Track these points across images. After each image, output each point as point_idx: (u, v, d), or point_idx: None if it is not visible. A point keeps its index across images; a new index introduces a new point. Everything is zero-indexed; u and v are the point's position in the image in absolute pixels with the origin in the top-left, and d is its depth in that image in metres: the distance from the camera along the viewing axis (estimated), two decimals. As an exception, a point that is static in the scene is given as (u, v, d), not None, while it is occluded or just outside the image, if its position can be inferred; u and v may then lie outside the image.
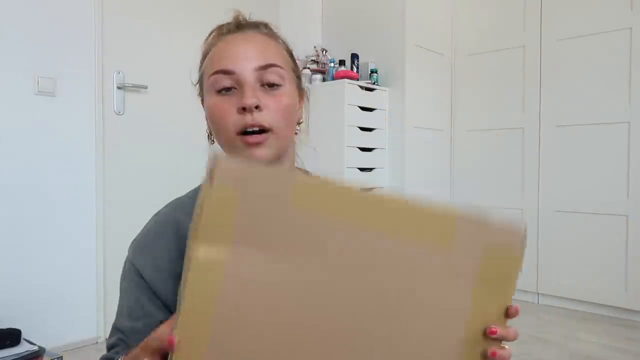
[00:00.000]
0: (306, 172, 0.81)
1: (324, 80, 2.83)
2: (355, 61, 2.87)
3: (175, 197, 0.76)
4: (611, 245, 2.52)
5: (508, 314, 0.53)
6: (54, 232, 2.00)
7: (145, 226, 0.73)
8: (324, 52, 2.95)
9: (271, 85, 0.66)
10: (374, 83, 2.79)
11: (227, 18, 0.72)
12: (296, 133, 0.74)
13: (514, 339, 0.54)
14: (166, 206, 0.74)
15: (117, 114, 2.21)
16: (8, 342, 1.67)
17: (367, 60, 2.87)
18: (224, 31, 0.69)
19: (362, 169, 2.70)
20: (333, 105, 2.62)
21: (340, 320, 0.46)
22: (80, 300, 2.08)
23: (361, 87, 2.70)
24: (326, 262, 0.45)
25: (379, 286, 0.47)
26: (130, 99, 2.26)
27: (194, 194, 0.74)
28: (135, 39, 2.26)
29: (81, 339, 2.08)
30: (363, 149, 2.71)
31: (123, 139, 2.22)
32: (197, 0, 2.43)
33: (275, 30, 0.74)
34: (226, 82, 0.65)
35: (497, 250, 0.51)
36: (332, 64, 2.83)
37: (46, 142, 1.98)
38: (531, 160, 2.82)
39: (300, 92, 0.73)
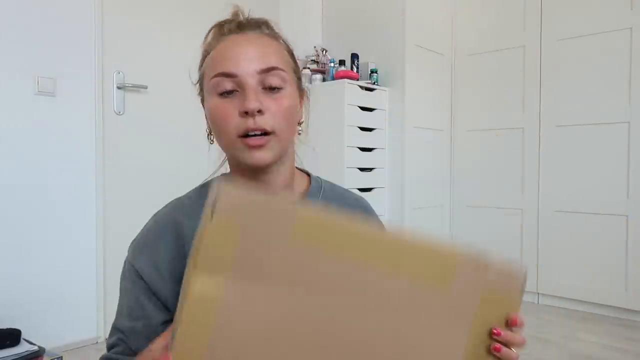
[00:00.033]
0: (306, 173, 0.81)
1: (324, 80, 2.83)
2: (355, 61, 2.87)
3: (175, 197, 0.76)
4: (611, 245, 2.52)
5: (508, 323, 0.53)
6: (54, 232, 2.00)
7: (144, 226, 0.73)
8: (324, 52, 2.95)
9: (273, 89, 0.66)
10: (374, 83, 2.79)
11: (226, 15, 0.71)
12: (299, 133, 0.74)
13: (519, 344, 0.54)
14: (166, 206, 0.74)
15: (117, 114, 2.21)
16: (8, 342, 1.67)
17: (367, 60, 2.87)
18: (225, 31, 0.69)
19: (362, 169, 2.70)
20: (333, 105, 2.62)
21: (333, 356, 0.46)
22: (80, 300, 2.08)
23: (361, 87, 2.70)
24: (323, 300, 0.45)
25: (374, 325, 0.47)
26: (130, 99, 2.26)
27: (194, 194, 0.75)
28: (135, 39, 2.26)
29: (81, 339, 2.08)
30: (363, 149, 2.71)
31: (123, 139, 2.22)
32: (197, 0, 2.43)
33: (276, 29, 0.73)
34: (228, 85, 0.65)
35: (496, 292, 0.51)
36: (332, 64, 2.83)
37: (46, 142, 1.98)
38: (531, 160, 2.82)
39: (301, 92, 0.73)
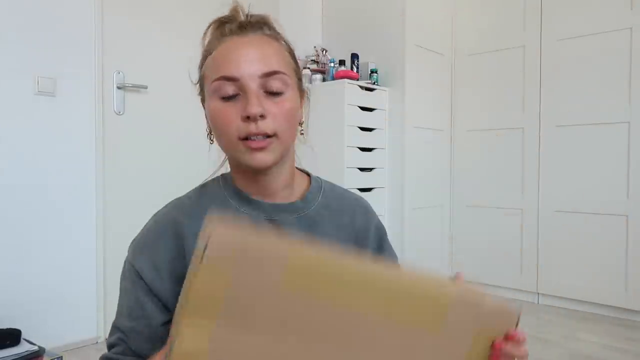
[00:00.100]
0: (306, 173, 0.81)
1: (324, 80, 2.83)
2: (355, 61, 2.87)
3: (175, 197, 0.76)
4: (611, 245, 2.52)
5: (507, 337, 0.53)
6: (54, 232, 2.00)
7: (144, 226, 0.73)
8: (324, 52, 2.95)
9: (274, 92, 0.66)
10: (374, 83, 2.78)
11: (226, 11, 0.71)
12: (302, 133, 0.74)
13: (521, 356, 0.54)
14: (166, 206, 0.74)
15: (117, 114, 2.21)
16: (8, 342, 1.67)
17: (367, 60, 2.87)
18: (226, 32, 0.68)
19: (362, 169, 2.70)
20: (333, 105, 2.62)
21: None
22: (80, 300, 2.08)
23: (361, 87, 2.70)
24: (314, 347, 0.44)
25: None
26: (130, 99, 2.26)
27: (194, 194, 0.75)
28: (135, 39, 2.26)
29: (81, 339, 2.08)
30: (363, 149, 2.71)
31: (123, 139, 2.22)
32: (197, 0, 2.43)
33: (277, 28, 0.73)
34: (230, 89, 0.65)
35: (489, 331, 0.51)
36: (332, 64, 2.83)
37: (46, 142, 1.98)
38: (531, 160, 2.82)
39: (301, 93, 0.73)
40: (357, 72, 2.83)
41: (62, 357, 1.77)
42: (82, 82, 2.07)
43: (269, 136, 0.65)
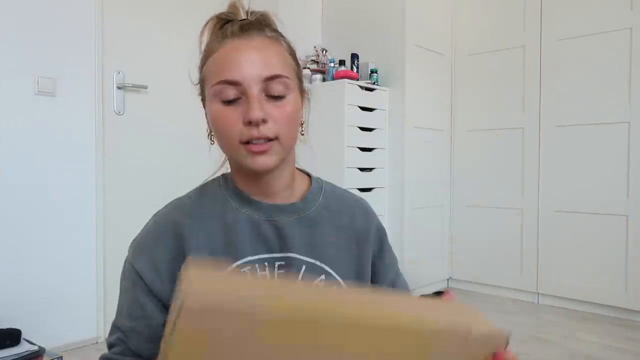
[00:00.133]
0: (307, 174, 0.81)
1: (324, 80, 2.83)
2: (355, 61, 2.87)
3: (175, 197, 0.76)
4: (611, 245, 2.52)
5: (496, 357, 0.52)
6: (54, 232, 2.00)
7: (145, 226, 0.73)
8: (324, 52, 2.95)
9: (276, 96, 0.66)
10: (374, 83, 2.78)
11: (225, 8, 0.70)
12: (302, 134, 0.73)
13: None
14: (166, 206, 0.74)
15: (117, 114, 2.21)
16: (8, 342, 1.67)
17: (367, 60, 2.86)
18: (227, 33, 0.67)
19: (362, 169, 2.70)
20: (333, 105, 2.62)
21: None
22: (80, 300, 2.08)
23: (361, 87, 2.70)
24: None
25: None
26: (130, 99, 2.26)
27: (194, 194, 0.75)
28: (135, 39, 2.26)
29: (81, 339, 2.08)
30: (363, 149, 2.71)
31: (123, 139, 2.22)
32: (197, 0, 2.43)
33: (277, 25, 0.72)
34: (231, 93, 0.64)
35: (478, 357, 0.50)
36: (332, 64, 2.83)
37: (46, 142, 1.98)
38: (531, 160, 2.82)
39: (302, 93, 0.73)
40: (357, 72, 2.83)
41: (62, 357, 1.77)
42: (82, 82, 2.07)
43: (270, 139, 0.65)
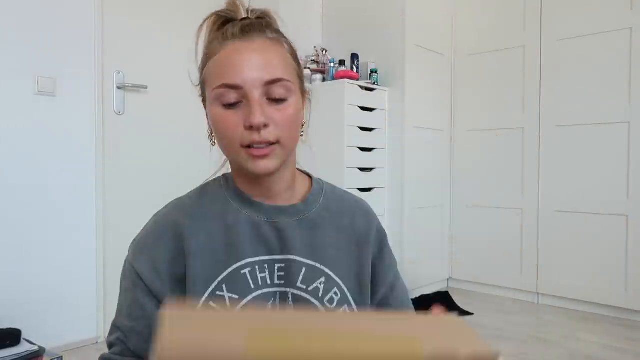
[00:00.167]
0: (307, 175, 0.80)
1: (324, 80, 2.83)
2: (355, 61, 2.87)
3: (175, 197, 0.76)
4: (611, 245, 2.52)
5: None
6: (54, 232, 2.00)
7: (145, 226, 0.73)
8: (324, 52, 2.95)
9: (277, 99, 0.65)
10: (374, 83, 2.78)
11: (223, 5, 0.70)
12: (301, 135, 0.73)
13: None
14: (166, 206, 0.74)
15: (117, 114, 2.21)
16: (8, 342, 1.67)
17: (367, 60, 2.87)
18: (228, 35, 0.66)
19: (362, 169, 2.70)
20: (333, 105, 2.62)
21: None
22: (80, 300, 2.08)
23: (361, 87, 2.70)
24: None
25: None
26: (130, 99, 2.26)
27: (195, 195, 0.75)
28: (135, 39, 2.26)
29: (81, 339, 2.08)
30: (363, 149, 2.71)
31: (123, 139, 2.22)
32: (197, 0, 2.43)
33: (279, 23, 0.72)
34: (232, 96, 0.64)
35: None
36: (332, 64, 2.83)
37: (46, 142, 1.98)
38: (531, 160, 2.82)
39: (304, 94, 0.72)
40: (357, 72, 2.83)
41: (62, 357, 1.77)
42: (82, 82, 2.07)
43: (271, 143, 0.64)
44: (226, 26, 0.68)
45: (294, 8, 2.97)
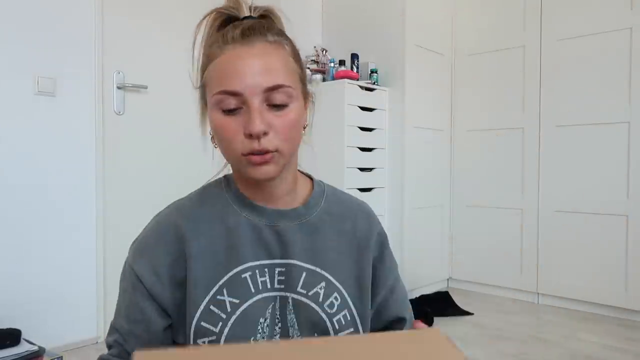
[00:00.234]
0: (309, 177, 0.80)
1: (324, 80, 2.83)
2: (355, 61, 2.87)
3: (175, 198, 0.75)
4: (611, 245, 2.52)
5: None
6: (54, 232, 2.00)
7: (145, 228, 0.73)
8: (324, 52, 2.95)
9: (278, 106, 0.64)
10: (374, 83, 2.78)
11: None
12: (303, 135, 0.72)
13: None
14: (167, 208, 0.74)
15: (117, 114, 2.21)
16: (8, 342, 1.67)
17: (367, 60, 2.87)
18: (228, 39, 0.64)
19: (362, 169, 2.70)
20: (333, 105, 2.62)
21: None
22: (80, 300, 2.08)
23: (361, 87, 2.70)
24: None
25: None
26: (130, 99, 2.26)
27: (195, 197, 0.74)
28: (135, 39, 2.26)
29: (81, 339, 2.08)
30: (363, 149, 2.71)
31: (123, 139, 2.22)
32: (197, 0, 2.43)
33: (283, 22, 0.71)
34: (232, 103, 0.63)
35: None
36: (332, 64, 2.83)
37: (46, 142, 1.98)
38: (531, 160, 2.82)
39: (306, 96, 0.71)
40: (357, 72, 2.83)
41: (62, 357, 1.77)
42: (82, 82, 2.07)
43: (271, 151, 0.64)
44: (227, 28, 0.66)
45: (294, 8, 2.97)
